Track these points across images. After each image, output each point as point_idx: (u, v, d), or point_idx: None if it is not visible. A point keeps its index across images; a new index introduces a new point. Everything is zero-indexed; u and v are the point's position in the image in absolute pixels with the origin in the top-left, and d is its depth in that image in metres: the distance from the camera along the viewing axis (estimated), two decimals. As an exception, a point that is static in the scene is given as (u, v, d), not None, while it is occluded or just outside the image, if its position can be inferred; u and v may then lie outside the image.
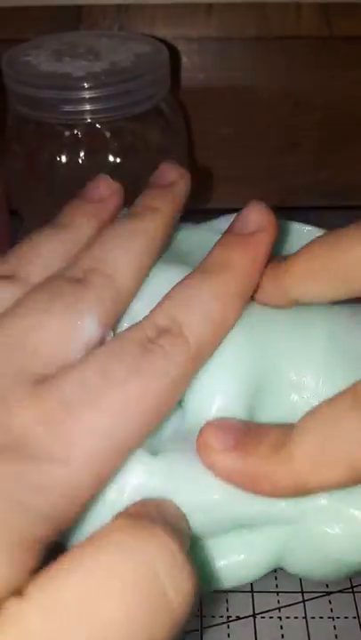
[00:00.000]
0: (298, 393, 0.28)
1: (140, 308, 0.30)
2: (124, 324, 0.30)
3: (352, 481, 0.21)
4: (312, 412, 0.22)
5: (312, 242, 0.26)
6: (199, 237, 0.36)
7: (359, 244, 0.24)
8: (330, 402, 0.22)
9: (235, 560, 0.26)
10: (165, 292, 0.30)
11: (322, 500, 0.25)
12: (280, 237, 0.36)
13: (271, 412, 0.28)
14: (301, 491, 0.22)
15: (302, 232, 0.36)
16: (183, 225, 0.39)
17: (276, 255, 0.34)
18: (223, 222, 0.38)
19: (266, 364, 0.29)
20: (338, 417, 0.21)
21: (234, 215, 0.38)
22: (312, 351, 0.29)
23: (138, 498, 0.26)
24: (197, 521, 0.26)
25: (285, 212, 0.50)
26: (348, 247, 0.24)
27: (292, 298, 0.26)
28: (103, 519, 0.26)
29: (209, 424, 0.24)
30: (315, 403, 0.28)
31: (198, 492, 0.26)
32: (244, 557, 0.26)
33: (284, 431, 0.22)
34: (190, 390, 0.28)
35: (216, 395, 0.28)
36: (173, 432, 0.28)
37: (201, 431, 0.23)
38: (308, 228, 0.37)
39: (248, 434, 0.23)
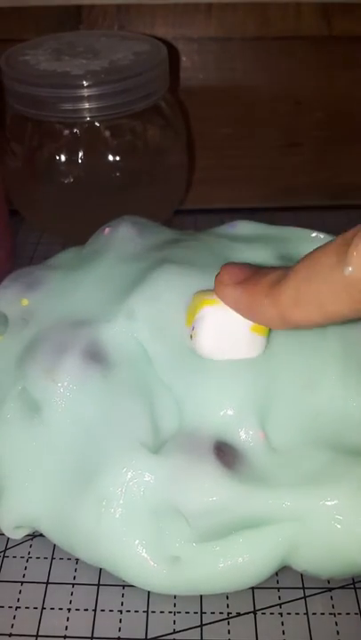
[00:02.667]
0: (313, 394, 0.28)
1: (138, 306, 0.30)
2: (119, 318, 0.30)
3: (324, 320, 0.23)
4: (303, 257, 0.23)
5: (298, 264, 0.25)
6: (206, 241, 0.36)
7: (330, 269, 0.23)
8: (318, 248, 0.23)
9: (240, 561, 0.26)
10: (164, 291, 0.30)
11: (330, 500, 0.25)
12: (287, 244, 0.35)
13: (286, 417, 0.28)
14: (285, 324, 0.24)
15: (308, 238, 0.36)
16: (190, 230, 0.39)
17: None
18: (229, 228, 0.37)
19: (278, 375, 0.28)
20: (318, 262, 0.22)
21: (240, 222, 0.38)
22: (327, 360, 0.29)
23: (137, 494, 0.26)
24: (199, 523, 0.25)
25: (285, 212, 0.50)
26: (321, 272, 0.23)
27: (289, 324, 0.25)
28: (98, 514, 0.26)
29: (225, 265, 0.27)
30: (332, 404, 0.28)
31: (200, 492, 0.25)
32: (249, 557, 0.26)
33: (282, 273, 0.24)
34: (195, 394, 0.28)
35: (224, 402, 0.27)
36: (174, 432, 0.28)
37: (218, 271, 0.27)
38: (313, 233, 0.36)
39: (254, 273, 0.26)
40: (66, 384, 0.28)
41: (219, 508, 0.25)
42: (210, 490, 0.25)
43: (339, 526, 0.25)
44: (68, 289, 0.33)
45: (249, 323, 0.27)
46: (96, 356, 0.29)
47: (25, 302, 0.33)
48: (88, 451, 0.27)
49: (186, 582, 0.26)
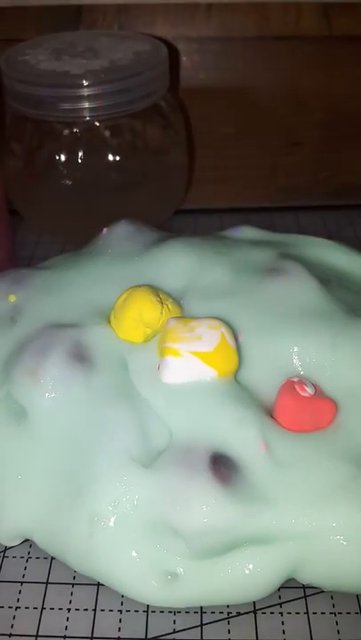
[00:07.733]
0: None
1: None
2: (106, 318, 0.30)
3: None
4: None
5: None
6: (209, 240, 0.36)
7: None
8: None
9: (242, 578, 0.25)
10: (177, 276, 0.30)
11: (346, 521, 0.24)
12: (290, 247, 0.35)
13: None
14: None
15: (311, 243, 0.36)
16: (189, 235, 0.39)
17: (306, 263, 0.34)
18: (232, 232, 0.37)
19: None
20: None
21: (244, 227, 0.38)
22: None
23: (129, 511, 0.25)
24: (196, 543, 0.25)
25: (285, 211, 0.50)
26: None
27: None
28: (90, 531, 0.25)
29: None
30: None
31: (194, 513, 0.24)
32: (252, 574, 0.25)
33: None
34: (185, 404, 0.27)
35: (219, 410, 0.27)
36: (165, 440, 0.27)
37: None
38: (316, 239, 0.37)
39: None
40: (50, 386, 0.27)
41: (214, 530, 0.24)
42: (204, 511, 0.24)
43: (349, 545, 0.24)
44: (58, 287, 0.32)
45: (214, 372, 0.27)
46: (80, 357, 0.28)
47: (12, 298, 0.32)
48: (76, 459, 0.26)
49: (185, 598, 0.25)
